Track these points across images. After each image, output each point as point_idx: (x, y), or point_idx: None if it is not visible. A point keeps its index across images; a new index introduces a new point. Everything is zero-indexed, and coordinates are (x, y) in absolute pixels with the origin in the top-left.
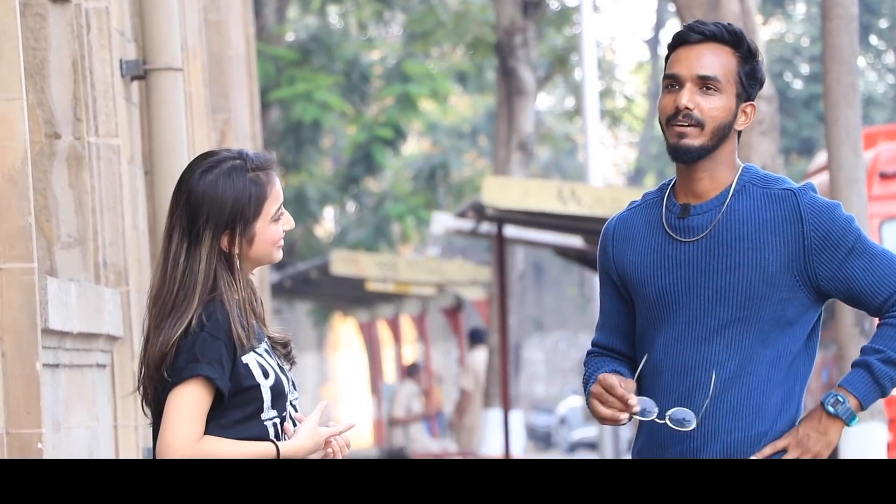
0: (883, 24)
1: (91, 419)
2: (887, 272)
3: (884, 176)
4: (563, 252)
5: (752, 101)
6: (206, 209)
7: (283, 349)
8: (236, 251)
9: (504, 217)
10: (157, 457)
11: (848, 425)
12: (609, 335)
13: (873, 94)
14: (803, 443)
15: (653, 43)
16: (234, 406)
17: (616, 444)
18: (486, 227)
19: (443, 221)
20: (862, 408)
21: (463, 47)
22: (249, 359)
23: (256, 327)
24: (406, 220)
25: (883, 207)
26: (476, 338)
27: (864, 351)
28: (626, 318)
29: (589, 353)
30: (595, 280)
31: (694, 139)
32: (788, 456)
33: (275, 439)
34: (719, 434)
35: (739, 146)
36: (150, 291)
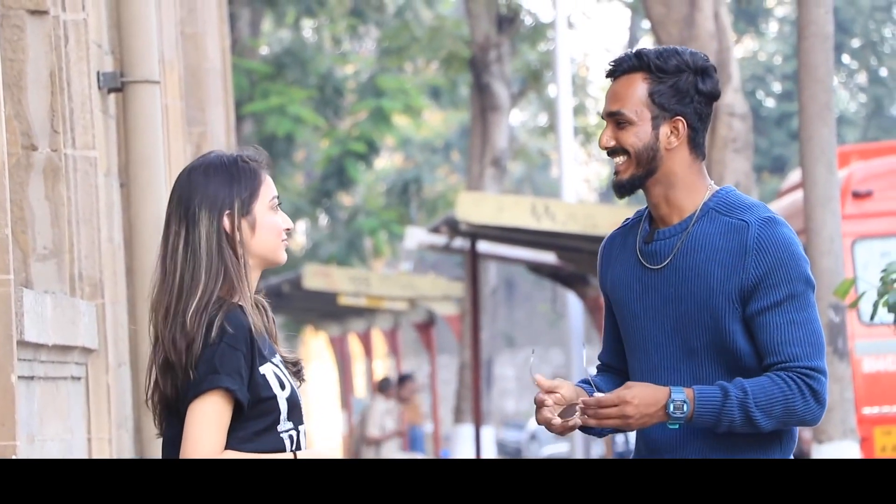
0: (856, 43)
1: (65, 431)
2: (795, 341)
3: (856, 195)
4: (537, 268)
5: (681, 116)
6: (199, 192)
7: (293, 367)
8: (238, 237)
9: (478, 232)
10: None
11: (668, 426)
12: (606, 352)
13: (845, 112)
14: (625, 411)
15: None
16: (252, 417)
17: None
18: (459, 242)
19: (416, 236)
20: (689, 422)
21: (437, 62)
22: (266, 370)
23: (269, 343)
24: (378, 235)
25: (855, 226)
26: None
27: (735, 382)
28: (618, 335)
29: (597, 368)
30: (567, 295)
31: (624, 173)
32: (603, 410)
33: (292, 451)
34: (695, 450)
35: (712, 163)
36: (151, 291)
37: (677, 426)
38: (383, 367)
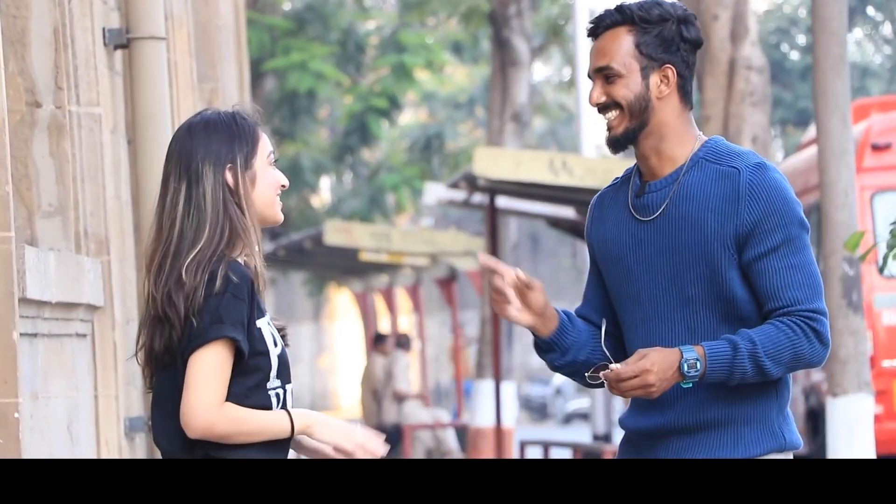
0: None
1: (70, 389)
2: (794, 284)
3: (876, 147)
4: (555, 223)
5: (670, 63)
6: (201, 147)
7: (280, 331)
8: (241, 191)
9: (496, 188)
10: (183, 419)
11: (682, 385)
12: (584, 306)
13: (870, 65)
14: (647, 380)
15: None
16: (247, 372)
17: (608, 414)
18: (478, 197)
19: (435, 192)
20: (702, 379)
21: (458, 17)
22: (262, 324)
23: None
24: (401, 191)
25: (874, 179)
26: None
27: (741, 334)
28: (599, 290)
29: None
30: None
31: (617, 127)
32: (624, 384)
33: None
34: (695, 413)
35: (730, 117)
36: (147, 248)
37: (691, 385)
38: (407, 323)
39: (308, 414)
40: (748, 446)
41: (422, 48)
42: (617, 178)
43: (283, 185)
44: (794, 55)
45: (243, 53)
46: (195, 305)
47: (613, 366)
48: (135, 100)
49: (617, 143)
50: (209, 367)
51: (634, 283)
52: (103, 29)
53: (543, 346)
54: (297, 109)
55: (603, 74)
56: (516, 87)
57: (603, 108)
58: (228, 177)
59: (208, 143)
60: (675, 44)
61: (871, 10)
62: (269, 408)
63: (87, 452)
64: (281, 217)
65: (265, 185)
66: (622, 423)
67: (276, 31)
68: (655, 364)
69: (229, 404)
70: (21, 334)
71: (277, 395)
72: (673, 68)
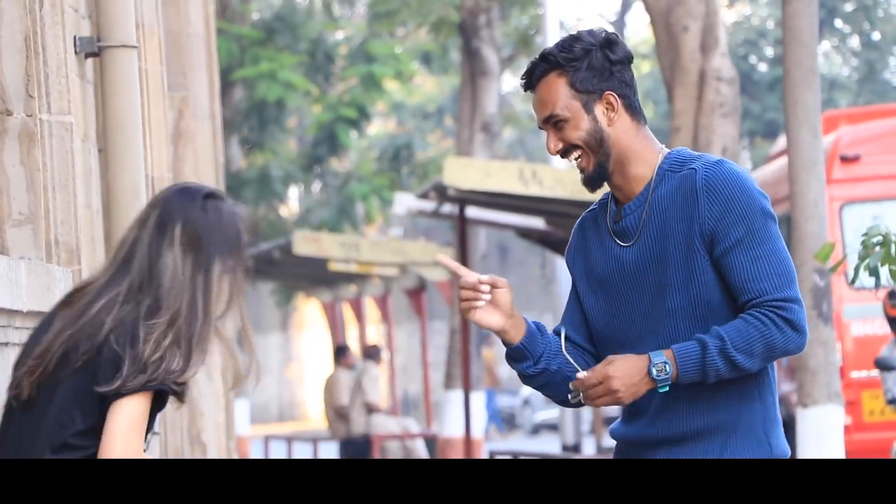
0: (848, 7)
1: None
2: (761, 275)
3: (844, 159)
4: (525, 233)
5: (608, 89)
6: (215, 240)
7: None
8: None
9: (466, 198)
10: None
11: (658, 391)
12: (566, 324)
13: (838, 77)
14: (611, 386)
15: (619, 25)
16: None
17: (577, 425)
18: (447, 207)
19: (405, 202)
20: (676, 381)
21: (427, 27)
22: None
23: None
24: (370, 201)
25: (843, 191)
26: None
27: (711, 331)
28: (579, 313)
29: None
30: (556, 260)
31: (588, 166)
32: (591, 391)
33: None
34: (681, 423)
35: (699, 128)
36: (104, 272)
37: (667, 388)
38: (376, 334)
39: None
40: (734, 454)
41: (391, 58)
42: (595, 204)
43: None
44: (763, 67)
45: (214, 62)
46: (141, 361)
47: (580, 374)
48: (106, 108)
49: (592, 181)
50: (133, 417)
51: (624, 304)
52: (74, 37)
53: (515, 355)
54: (265, 119)
55: (552, 123)
56: (486, 97)
57: (565, 153)
58: (225, 282)
59: (222, 240)
60: (606, 70)
61: (839, 23)
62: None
63: None
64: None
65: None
66: (612, 432)
67: (244, 41)
68: (619, 370)
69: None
70: None
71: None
72: (613, 92)
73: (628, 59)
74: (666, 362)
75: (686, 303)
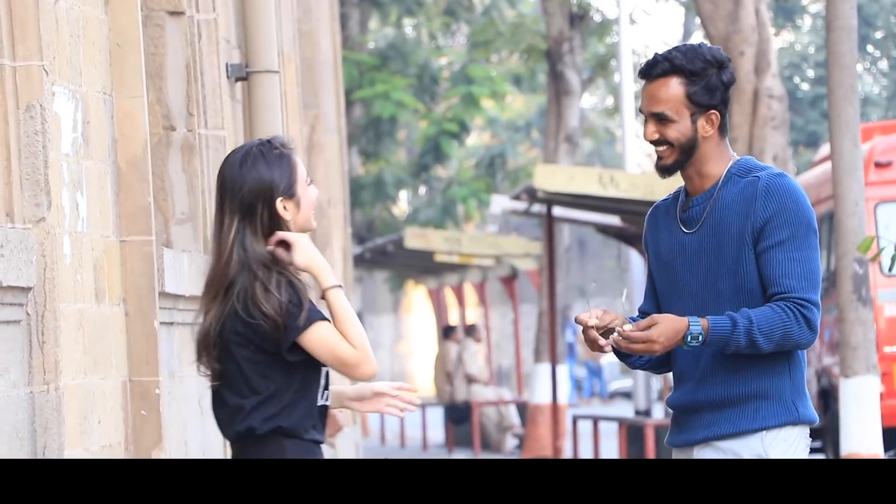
0: (878, 34)
1: None
2: (793, 275)
3: (878, 165)
4: (604, 230)
5: (714, 108)
6: (249, 182)
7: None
8: (289, 216)
9: (553, 199)
10: (352, 375)
11: (685, 347)
12: (646, 302)
13: (870, 94)
14: (651, 347)
15: None
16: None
17: (647, 392)
18: (537, 207)
19: (500, 203)
20: (703, 346)
21: (518, 54)
22: None
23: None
24: (469, 202)
25: (878, 192)
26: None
27: (742, 312)
28: (652, 288)
29: (639, 314)
30: (630, 253)
31: (667, 159)
32: (635, 338)
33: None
34: (720, 390)
35: (754, 139)
36: (212, 266)
37: (690, 347)
38: (474, 315)
39: (323, 277)
40: (766, 418)
41: (487, 80)
42: (669, 195)
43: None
44: (805, 86)
45: (340, 85)
46: (283, 309)
47: (627, 327)
48: (253, 124)
49: (666, 171)
50: (327, 335)
51: (679, 283)
52: (227, 64)
53: (622, 353)
54: (380, 133)
55: (656, 117)
56: (568, 112)
57: (655, 143)
58: (279, 207)
59: (255, 177)
60: (718, 90)
61: (870, 48)
62: (317, 385)
63: (213, 424)
64: (314, 224)
65: (307, 205)
66: (668, 401)
67: (363, 66)
68: (662, 332)
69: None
70: (161, 323)
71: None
72: (717, 113)
73: (733, 82)
74: (700, 332)
75: (732, 288)
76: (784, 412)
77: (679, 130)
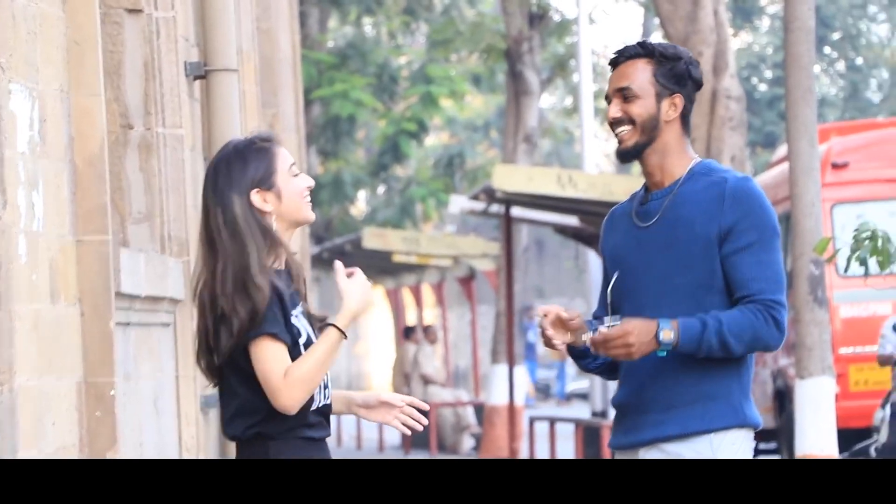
0: (836, 35)
1: (156, 371)
2: (760, 277)
3: (835, 166)
4: (562, 230)
5: (679, 93)
6: (225, 179)
7: (319, 322)
8: (270, 207)
9: (511, 199)
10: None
11: (658, 354)
12: (601, 307)
13: (827, 95)
14: (628, 341)
15: None
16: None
17: (604, 393)
18: (495, 207)
19: (459, 203)
20: (675, 349)
21: (477, 53)
22: (294, 318)
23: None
24: (427, 202)
25: (834, 193)
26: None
27: (711, 314)
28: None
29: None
30: (588, 253)
31: (628, 141)
32: (611, 343)
33: (331, 324)
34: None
35: (711, 140)
36: (199, 262)
37: (665, 353)
38: (432, 316)
39: (342, 316)
40: (713, 420)
41: (446, 80)
42: (626, 200)
43: (308, 187)
44: (763, 87)
45: (299, 84)
46: (256, 311)
47: (602, 327)
48: (211, 123)
49: (626, 155)
50: (265, 356)
51: (632, 279)
52: (185, 62)
53: (578, 354)
54: (339, 132)
55: (622, 94)
56: (527, 112)
57: (617, 123)
58: (255, 199)
59: (230, 174)
60: (684, 79)
61: (827, 49)
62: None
63: (169, 425)
64: (311, 216)
65: (290, 194)
66: (612, 401)
67: (322, 65)
68: (636, 329)
69: (289, 368)
70: (116, 323)
71: None
72: (681, 97)
73: (700, 83)
74: (672, 329)
75: (689, 284)
76: (732, 414)
77: (643, 107)
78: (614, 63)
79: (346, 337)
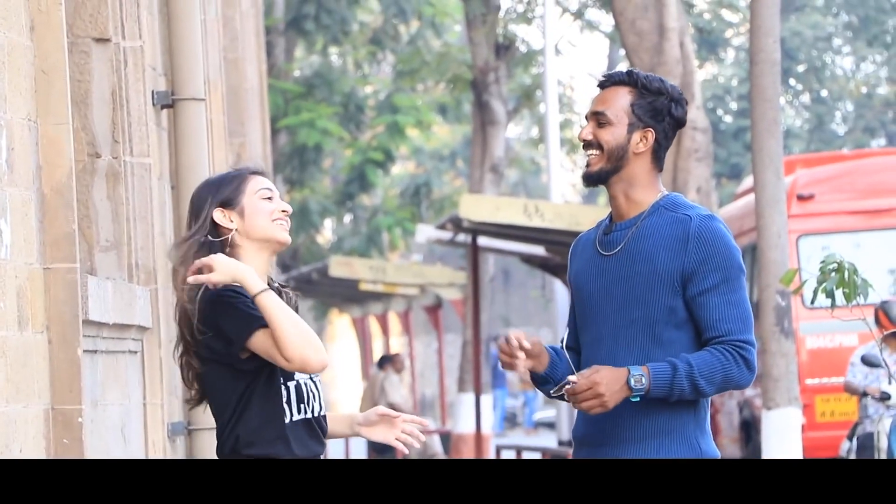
0: (801, 68)
1: (124, 398)
2: (728, 318)
3: (801, 197)
4: (528, 259)
5: (652, 128)
6: (199, 198)
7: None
8: (234, 226)
9: (478, 229)
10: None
11: (631, 399)
12: (570, 336)
13: (792, 127)
14: (599, 391)
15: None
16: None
17: (571, 422)
18: (462, 237)
19: (425, 232)
20: (647, 394)
21: (444, 83)
22: None
23: None
24: (394, 231)
25: (800, 224)
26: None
27: (681, 357)
28: (574, 319)
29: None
30: (554, 283)
31: (594, 165)
32: (581, 395)
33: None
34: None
35: (678, 171)
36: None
37: (638, 398)
38: (399, 344)
39: (248, 287)
40: (668, 455)
41: (413, 109)
42: (592, 228)
43: (283, 211)
44: (728, 118)
45: (265, 113)
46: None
47: (571, 378)
48: (178, 151)
49: (590, 179)
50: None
51: (592, 308)
52: (152, 91)
53: (539, 380)
54: (305, 161)
55: (596, 118)
56: (494, 142)
57: (587, 146)
58: (216, 216)
59: (202, 193)
60: (662, 115)
61: (793, 81)
62: (280, 401)
63: (136, 452)
64: (287, 238)
65: (254, 213)
66: (573, 432)
67: (288, 94)
68: (605, 378)
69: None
70: (84, 351)
71: (287, 387)
72: (653, 132)
73: (681, 122)
74: (643, 375)
75: (646, 317)
76: (687, 449)
77: (612, 134)
78: (601, 86)
79: (266, 290)
